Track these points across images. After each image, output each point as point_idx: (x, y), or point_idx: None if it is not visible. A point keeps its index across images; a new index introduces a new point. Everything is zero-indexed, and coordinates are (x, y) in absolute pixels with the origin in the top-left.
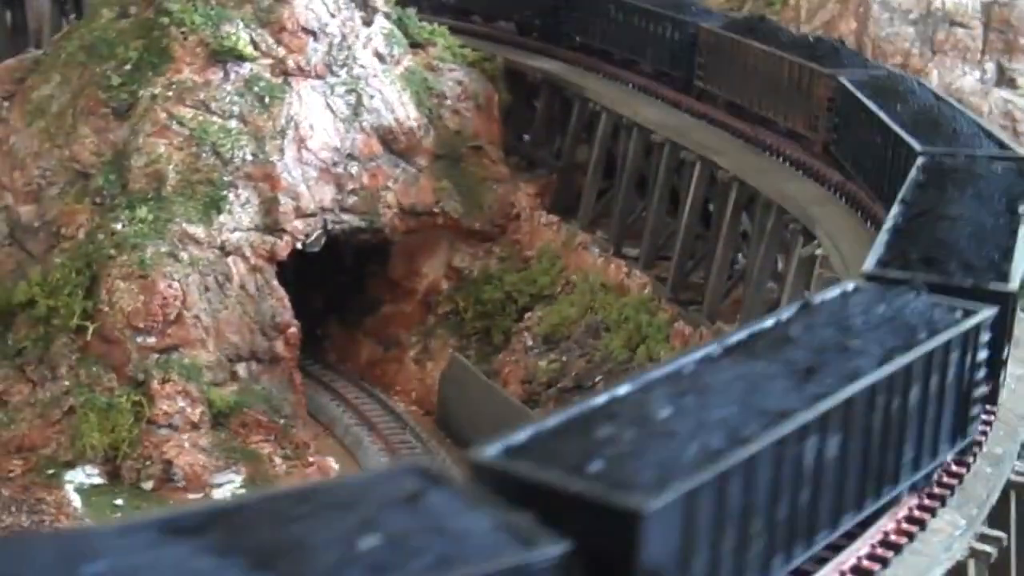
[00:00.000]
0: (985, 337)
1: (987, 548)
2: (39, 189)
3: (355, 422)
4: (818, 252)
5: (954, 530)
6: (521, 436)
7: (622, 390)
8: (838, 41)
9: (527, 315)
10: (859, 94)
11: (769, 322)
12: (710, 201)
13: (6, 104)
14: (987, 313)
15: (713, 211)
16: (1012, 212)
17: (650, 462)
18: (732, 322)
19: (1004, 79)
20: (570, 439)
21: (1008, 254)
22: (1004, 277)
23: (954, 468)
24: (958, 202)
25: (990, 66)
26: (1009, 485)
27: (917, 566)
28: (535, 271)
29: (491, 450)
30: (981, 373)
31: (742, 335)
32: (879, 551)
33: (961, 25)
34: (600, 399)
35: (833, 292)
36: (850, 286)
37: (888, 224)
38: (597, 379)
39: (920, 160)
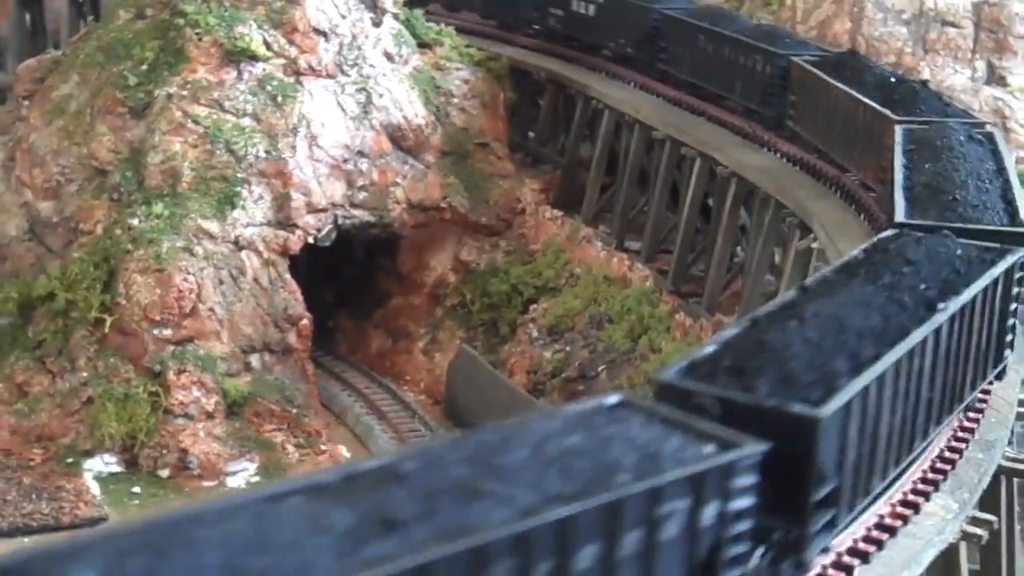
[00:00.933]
0: (745, 481)
1: (978, 531)
2: (58, 186)
3: (366, 411)
4: (814, 245)
5: (947, 514)
6: None
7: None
8: (920, 82)
9: (532, 307)
10: (899, 149)
11: (413, 450)
12: (709, 196)
13: (26, 103)
14: (748, 451)
15: (712, 206)
16: (930, 309)
17: None
18: (731, 314)
19: (994, 77)
20: None
21: (860, 368)
22: (824, 398)
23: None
24: (847, 293)
25: (980, 64)
26: (1000, 470)
27: (911, 548)
28: (540, 264)
29: None
30: (739, 528)
31: (371, 464)
32: (874, 533)
33: (953, 25)
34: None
35: (582, 407)
36: (611, 400)
37: (749, 315)
38: (600, 369)
39: (882, 234)
